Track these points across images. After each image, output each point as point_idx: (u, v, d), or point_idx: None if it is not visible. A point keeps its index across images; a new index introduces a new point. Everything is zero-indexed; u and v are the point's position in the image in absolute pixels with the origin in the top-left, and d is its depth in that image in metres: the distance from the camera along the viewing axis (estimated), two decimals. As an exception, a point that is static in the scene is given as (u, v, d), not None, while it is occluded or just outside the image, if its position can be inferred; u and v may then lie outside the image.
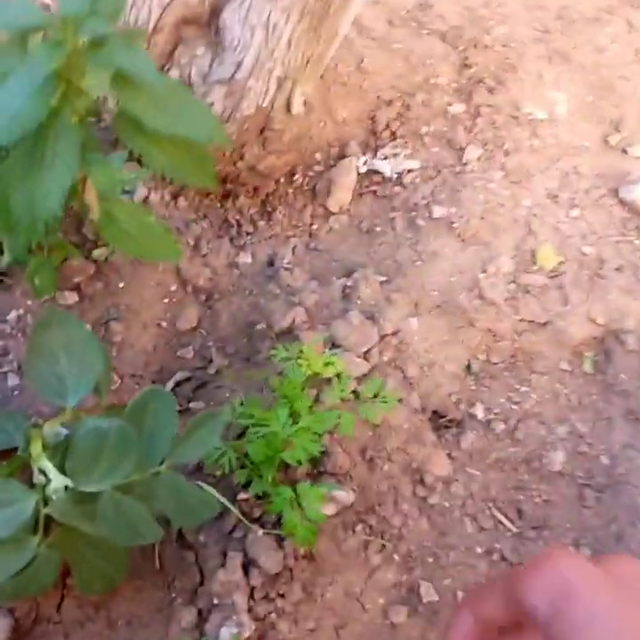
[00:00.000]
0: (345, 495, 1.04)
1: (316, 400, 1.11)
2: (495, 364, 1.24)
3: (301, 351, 1.06)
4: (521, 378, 1.24)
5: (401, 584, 1.04)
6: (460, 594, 1.03)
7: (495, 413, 1.20)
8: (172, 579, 1.04)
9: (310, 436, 1.00)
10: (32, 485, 0.75)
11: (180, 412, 1.19)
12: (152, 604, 1.02)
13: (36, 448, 0.71)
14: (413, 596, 1.03)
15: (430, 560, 1.05)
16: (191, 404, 1.19)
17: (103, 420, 0.68)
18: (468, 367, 1.24)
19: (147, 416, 0.75)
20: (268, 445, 0.97)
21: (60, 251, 1.18)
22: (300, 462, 1.00)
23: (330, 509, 1.03)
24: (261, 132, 1.15)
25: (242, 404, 1.05)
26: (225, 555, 1.01)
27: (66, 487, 0.73)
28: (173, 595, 1.03)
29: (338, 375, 1.09)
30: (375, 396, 1.14)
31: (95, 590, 0.94)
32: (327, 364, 1.07)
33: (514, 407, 1.21)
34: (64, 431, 0.76)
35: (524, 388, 1.22)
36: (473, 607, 0.70)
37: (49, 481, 0.71)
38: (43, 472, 0.71)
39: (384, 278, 1.25)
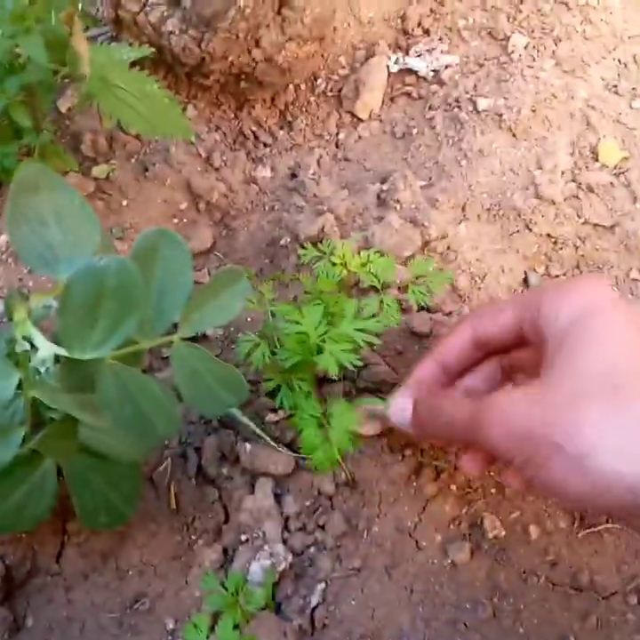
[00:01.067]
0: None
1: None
2: (556, 276, 1.08)
3: (334, 248, 0.90)
4: (586, 291, 1.07)
5: (461, 518, 0.87)
6: (532, 529, 0.86)
7: (559, 330, 1.04)
8: (192, 520, 0.88)
9: (346, 344, 0.84)
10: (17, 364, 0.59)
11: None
12: (168, 550, 0.86)
13: (20, 313, 0.56)
14: (476, 531, 0.86)
15: (493, 491, 0.89)
16: (209, 331, 1.04)
17: (98, 259, 0.53)
18: (526, 280, 1.07)
19: (154, 265, 0.59)
20: (301, 347, 0.81)
21: (54, 159, 1.04)
22: (335, 374, 0.84)
23: (372, 429, 0.87)
24: (279, 11, 1.00)
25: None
26: (253, 486, 0.85)
27: (57, 360, 0.57)
28: (193, 537, 0.87)
29: (376, 281, 0.93)
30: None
31: (101, 524, 0.78)
32: (365, 264, 0.91)
33: (580, 323, 1.04)
34: (55, 304, 0.60)
35: (590, 302, 1.06)
36: (477, 321, 0.72)
37: (36, 350, 0.56)
38: (28, 340, 0.56)
39: (425, 182, 1.09)
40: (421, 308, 0.98)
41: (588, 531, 0.86)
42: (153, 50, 0.92)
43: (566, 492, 0.57)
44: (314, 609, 0.79)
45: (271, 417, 0.88)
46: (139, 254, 0.58)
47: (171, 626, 0.81)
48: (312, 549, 0.82)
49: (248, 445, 0.85)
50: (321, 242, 0.98)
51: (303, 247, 0.93)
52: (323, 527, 0.83)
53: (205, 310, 0.65)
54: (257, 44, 1.03)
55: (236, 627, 0.74)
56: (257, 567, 0.77)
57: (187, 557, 0.86)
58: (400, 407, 0.77)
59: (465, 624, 0.82)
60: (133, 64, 0.94)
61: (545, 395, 0.59)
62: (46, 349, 0.56)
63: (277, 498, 0.84)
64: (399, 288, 0.97)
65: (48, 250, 0.63)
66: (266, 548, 0.78)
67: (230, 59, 1.04)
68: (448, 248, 1.03)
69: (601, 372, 0.57)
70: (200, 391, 0.65)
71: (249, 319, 1.03)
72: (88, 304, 0.54)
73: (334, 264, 0.91)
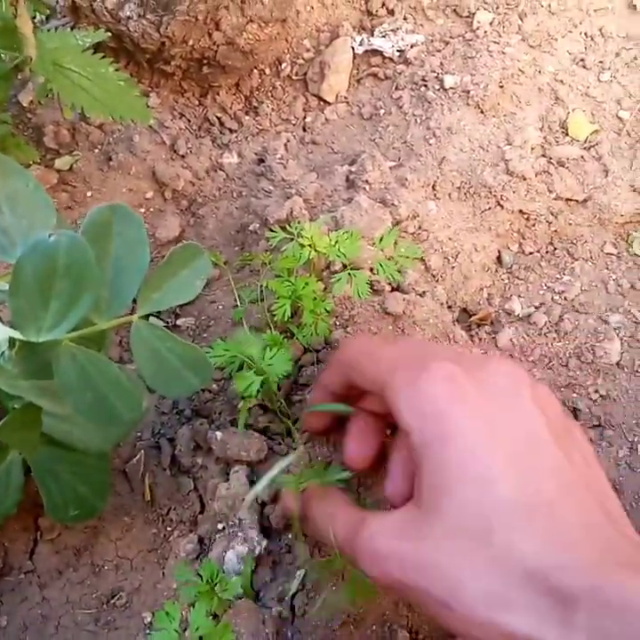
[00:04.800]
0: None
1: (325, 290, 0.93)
2: (530, 253, 1.07)
3: (302, 230, 0.88)
4: (561, 267, 1.06)
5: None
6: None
7: (535, 307, 1.02)
8: (167, 511, 0.85)
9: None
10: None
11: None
12: (144, 543, 0.84)
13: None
14: None
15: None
16: (179, 321, 1.02)
17: (48, 235, 0.50)
18: (499, 258, 1.06)
19: (108, 241, 0.57)
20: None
21: (15, 151, 1.01)
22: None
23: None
24: (239, -12, 0.98)
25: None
26: (229, 474, 0.83)
27: (12, 343, 0.55)
28: (169, 529, 0.85)
29: (345, 260, 0.91)
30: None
31: (71, 517, 0.76)
32: (334, 245, 0.89)
33: (556, 298, 1.03)
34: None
35: (566, 278, 1.04)
36: (346, 370, 0.69)
37: (-10, 334, 0.54)
38: (-20, 320, 0.53)
39: (394, 163, 1.08)
40: (394, 289, 0.96)
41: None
42: (108, 34, 0.89)
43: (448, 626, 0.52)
44: (293, 596, 0.77)
45: (248, 404, 0.86)
46: (91, 230, 0.56)
47: (148, 619, 0.79)
48: (289, 536, 0.80)
49: (219, 434, 0.83)
50: (290, 225, 0.97)
51: (271, 230, 0.91)
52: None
53: (165, 289, 0.62)
54: (217, 26, 1.01)
55: (214, 616, 0.72)
56: (233, 555, 0.75)
57: (163, 549, 0.83)
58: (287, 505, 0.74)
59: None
60: (94, 53, 0.92)
61: (416, 531, 0.53)
62: (0, 333, 0.54)
63: (252, 484, 0.82)
64: (371, 269, 0.95)
65: (2, 235, 0.61)
66: (241, 534, 0.76)
67: (190, 43, 1.02)
68: (419, 228, 1.01)
69: (468, 511, 0.51)
70: (162, 373, 0.63)
71: (220, 307, 1.01)
72: (40, 284, 0.52)
73: (302, 246, 0.89)
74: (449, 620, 0.50)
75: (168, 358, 0.64)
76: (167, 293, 0.63)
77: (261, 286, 0.92)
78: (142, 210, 1.10)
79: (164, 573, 0.81)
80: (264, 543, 0.76)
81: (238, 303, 0.92)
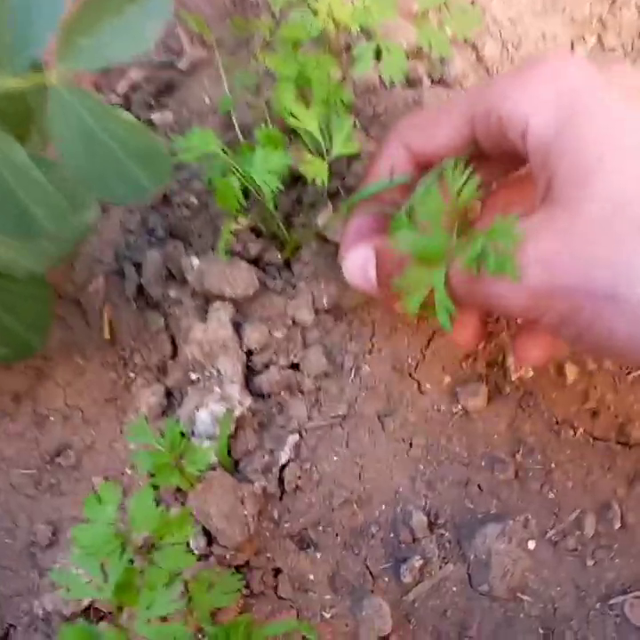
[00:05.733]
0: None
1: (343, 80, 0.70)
2: (611, 49, 0.82)
3: (317, -10, 0.64)
4: (649, 68, 0.81)
5: (477, 354, 0.67)
6: (568, 368, 0.67)
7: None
8: (130, 353, 0.68)
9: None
10: None
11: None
12: (99, 391, 0.67)
13: None
14: (496, 371, 0.67)
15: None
16: (154, 116, 0.79)
17: None
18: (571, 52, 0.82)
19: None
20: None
21: None
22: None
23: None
24: None
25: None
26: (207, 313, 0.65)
27: None
28: (131, 375, 0.67)
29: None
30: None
31: (1, 356, 0.59)
32: (359, 15, 0.66)
33: None
34: None
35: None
36: (408, 138, 0.54)
37: None
38: None
39: None
40: (435, 82, 0.73)
41: (641, 371, 0.67)
42: None
43: (625, 349, 0.43)
44: (283, 467, 0.61)
45: (231, 224, 0.66)
46: None
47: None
48: (282, 393, 0.63)
49: (195, 260, 0.63)
50: (301, -8, 0.72)
51: (278, -8, 0.67)
52: (297, 366, 0.64)
53: (98, 33, 0.41)
54: None
55: (178, 491, 0.56)
56: (206, 414, 0.57)
57: (123, 400, 0.67)
58: (357, 264, 0.55)
59: (479, 486, 0.64)
60: None
61: (572, 227, 0.43)
62: None
63: (237, 328, 0.63)
64: (406, 55, 0.72)
65: None
66: (218, 389, 0.58)
67: None
68: (472, 2, 0.76)
69: (629, 187, 0.42)
70: (96, 165, 0.43)
71: (206, 99, 0.78)
72: None
73: (315, 13, 0.66)
74: (613, 319, 0.42)
75: (105, 145, 0.43)
76: (102, 39, 0.41)
77: (259, 70, 0.70)
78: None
79: (122, 430, 0.65)
80: (248, 402, 0.59)
81: (227, 92, 0.69)
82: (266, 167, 0.57)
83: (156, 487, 0.52)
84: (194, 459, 0.54)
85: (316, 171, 0.59)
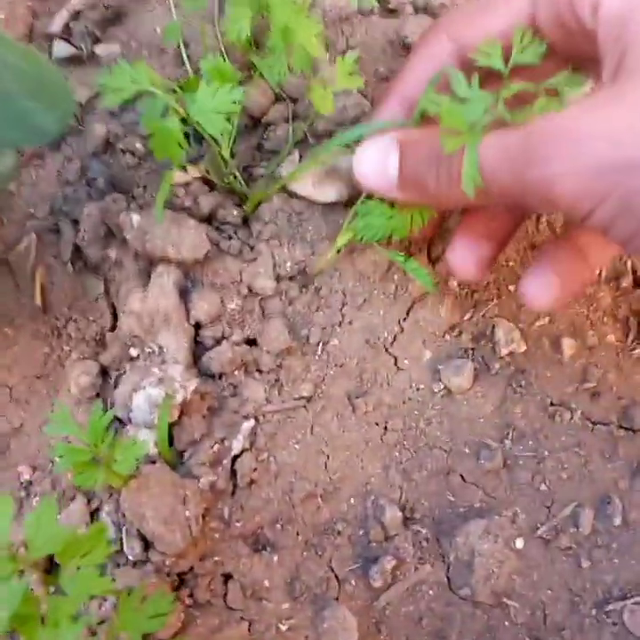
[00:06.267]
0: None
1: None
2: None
3: None
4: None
5: (461, 326, 0.59)
6: (566, 342, 0.58)
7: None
8: (65, 323, 0.59)
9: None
10: None
11: (76, 59, 0.69)
12: (30, 365, 0.59)
13: None
14: (484, 346, 0.59)
15: (513, 288, 0.60)
16: (99, 49, 0.69)
17: None
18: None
19: None
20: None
21: None
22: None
23: (332, 193, 0.56)
24: None
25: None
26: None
27: None
28: (66, 349, 0.59)
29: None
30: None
31: None
32: None
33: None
34: None
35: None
36: (455, 29, 0.49)
37: None
38: None
39: None
40: (419, 10, 0.64)
41: (648, 346, 0.59)
42: None
43: None
44: (235, 458, 0.53)
45: (174, 175, 0.56)
46: None
47: (26, 476, 0.55)
48: (236, 372, 0.54)
49: (135, 216, 0.54)
50: None
51: None
52: (254, 341, 0.55)
53: None
54: None
55: (111, 493, 0.48)
56: (142, 399, 0.49)
57: (56, 376, 0.58)
58: (374, 158, 0.48)
59: (461, 476, 0.56)
60: None
61: (621, 102, 0.39)
62: None
63: (184, 296, 0.55)
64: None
65: None
66: (156, 370, 0.49)
67: None
68: None
69: None
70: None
71: (157, 28, 0.68)
72: None
73: None
74: None
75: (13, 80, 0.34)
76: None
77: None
78: None
79: (53, 410, 0.57)
80: (193, 384, 0.50)
81: (175, 19, 0.59)
82: (211, 105, 0.47)
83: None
84: (127, 450, 0.45)
85: (319, 101, 0.51)
